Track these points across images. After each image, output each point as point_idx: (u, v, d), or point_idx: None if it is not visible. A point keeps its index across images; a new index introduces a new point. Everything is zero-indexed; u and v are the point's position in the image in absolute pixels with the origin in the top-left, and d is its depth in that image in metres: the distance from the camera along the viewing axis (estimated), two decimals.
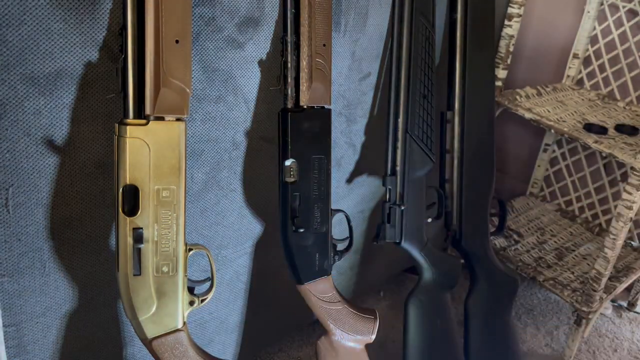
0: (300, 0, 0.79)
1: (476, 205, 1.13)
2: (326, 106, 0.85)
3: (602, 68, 1.39)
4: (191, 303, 0.74)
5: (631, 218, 1.10)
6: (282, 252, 0.88)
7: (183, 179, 0.69)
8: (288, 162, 0.83)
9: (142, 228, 0.68)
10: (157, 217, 0.68)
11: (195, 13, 0.73)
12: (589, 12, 1.36)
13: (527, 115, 1.21)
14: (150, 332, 0.72)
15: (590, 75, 1.41)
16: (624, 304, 1.48)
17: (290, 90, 0.82)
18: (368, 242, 1.21)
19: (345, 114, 1.00)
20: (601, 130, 1.16)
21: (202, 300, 0.76)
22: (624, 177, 1.40)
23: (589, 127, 1.16)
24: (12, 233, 0.68)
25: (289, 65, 0.81)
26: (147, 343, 0.72)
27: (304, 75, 0.81)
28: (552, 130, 1.18)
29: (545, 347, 1.33)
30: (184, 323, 0.74)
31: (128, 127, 0.65)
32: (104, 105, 0.69)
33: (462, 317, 1.14)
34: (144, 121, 0.66)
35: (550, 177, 1.57)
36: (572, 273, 1.31)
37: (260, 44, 0.82)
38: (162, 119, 0.67)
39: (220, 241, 0.91)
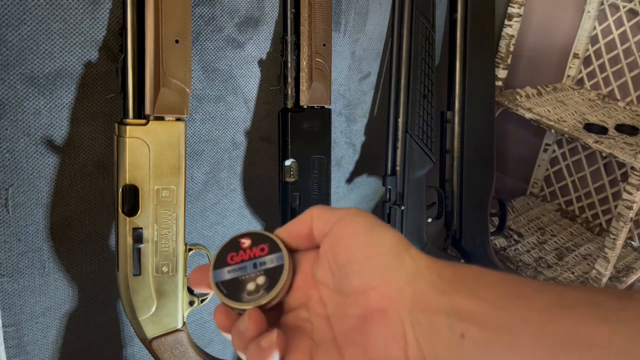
0: (300, 0, 0.79)
1: (476, 205, 1.13)
2: (326, 106, 0.85)
3: (602, 68, 1.39)
4: (191, 303, 0.74)
5: (631, 218, 1.10)
6: None
7: (183, 179, 0.69)
8: (288, 162, 0.83)
9: (141, 228, 0.68)
10: (156, 217, 0.68)
11: (195, 13, 0.73)
12: (589, 12, 1.36)
13: (528, 115, 1.21)
14: (150, 332, 0.72)
15: (591, 75, 1.41)
16: None
17: (290, 90, 0.82)
18: None
19: (345, 114, 1.00)
20: (601, 130, 1.16)
21: (202, 301, 0.76)
22: (624, 177, 1.40)
23: (589, 127, 1.16)
24: (12, 233, 0.68)
25: (289, 65, 0.81)
26: (147, 343, 0.72)
27: (304, 75, 0.81)
28: (553, 130, 1.18)
29: None
30: (184, 323, 0.74)
31: (128, 127, 0.65)
32: (103, 105, 0.69)
33: None
34: (143, 121, 0.66)
35: (550, 177, 1.57)
36: (573, 273, 1.31)
37: (260, 44, 0.82)
38: (162, 118, 0.67)
39: (221, 241, 0.91)
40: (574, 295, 0.29)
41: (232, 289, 0.35)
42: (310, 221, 0.36)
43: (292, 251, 0.37)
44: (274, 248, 0.36)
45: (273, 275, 0.35)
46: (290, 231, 0.37)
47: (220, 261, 0.36)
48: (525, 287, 0.30)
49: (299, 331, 0.35)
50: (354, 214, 0.35)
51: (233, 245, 0.37)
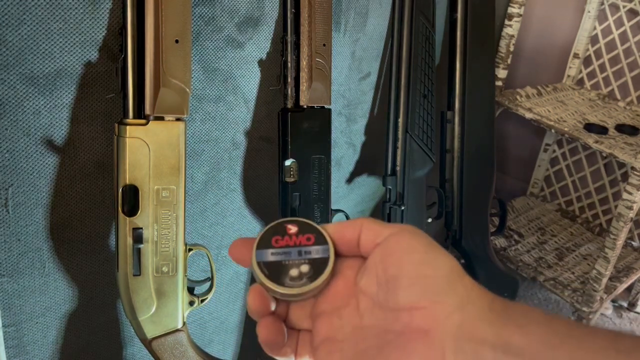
0: (300, 0, 0.79)
1: (476, 205, 1.13)
2: (326, 106, 0.85)
3: (602, 68, 1.39)
4: (191, 303, 0.74)
5: (631, 218, 1.10)
6: None
7: (183, 179, 0.69)
8: (288, 162, 0.83)
9: (141, 228, 0.68)
10: (156, 217, 0.68)
11: (195, 13, 0.73)
12: (589, 11, 1.36)
13: (528, 115, 1.21)
14: (150, 332, 0.72)
15: (591, 75, 1.41)
16: (625, 304, 1.48)
17: (290, 90, 0.82)
18: None
19: (345, 114, 1.00)
20: (601, 130, 1.16)
21: (202, 301, 0.75)
22: (625, 177, 1.40)
23: (590, 127, 1.16)
24: (12, 233, 0.68)
25: (289, 65, 0.80)
26: (147, 343, 0.72)
27: (304, 75, 0.81)
28: (553, 130, 1.18)
29: None
30: (184, 323, 0.74)
31: (128, 127, 0.65)
32: (103, 105, 0.69)
33: None
34: (143, 121, 0.66)
35: (550, 177, 1.57)
36: (573, 273, 1.31)
37: (260, 44, 0.82)
38: (161, 118, 0.67)
39: (220, 241, 0.91)
40: (628, 341, 0.28)
41: (274, 272, 0.35)
42: (359, 229, 0.36)
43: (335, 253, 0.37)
44: (320, 240, 0.36)
45: (317, 265, 0.35)
46: (337, 231, 0.37)
47: (265, 242, 0.36)
48: (575, 328, 0.30)
49: (330, 343, 0.35)
50: (411, 230, 0.35)
51: (279, 228, 0.36)
